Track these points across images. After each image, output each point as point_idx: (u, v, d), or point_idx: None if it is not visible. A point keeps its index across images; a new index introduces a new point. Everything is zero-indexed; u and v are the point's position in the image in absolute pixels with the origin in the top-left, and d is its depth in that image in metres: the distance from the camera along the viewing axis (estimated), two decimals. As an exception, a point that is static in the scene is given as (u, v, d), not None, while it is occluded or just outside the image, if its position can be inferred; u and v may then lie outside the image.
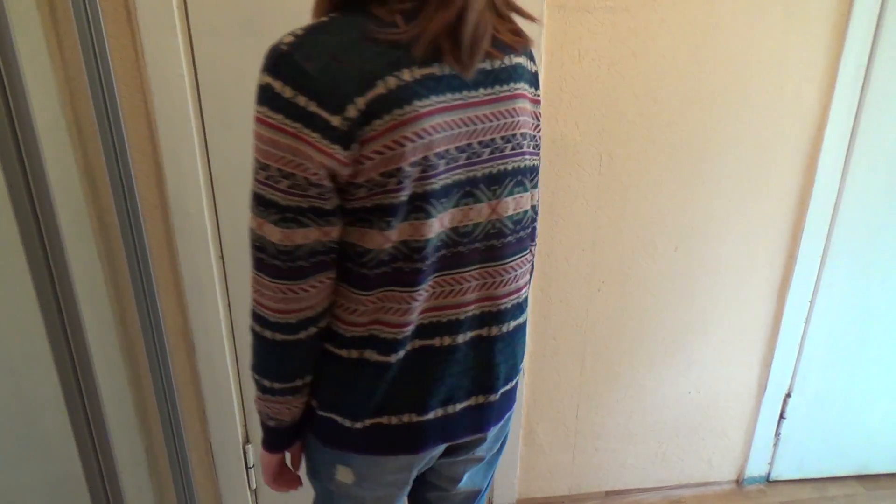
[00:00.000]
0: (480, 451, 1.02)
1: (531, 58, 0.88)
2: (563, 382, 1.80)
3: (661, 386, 1.84)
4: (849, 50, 1.53)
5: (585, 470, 1.93)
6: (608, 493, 1.97)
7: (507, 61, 0.82)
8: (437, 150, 0.76)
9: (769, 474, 2.03)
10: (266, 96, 0.72)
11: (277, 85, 0.71)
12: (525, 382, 1.77)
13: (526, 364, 1.75)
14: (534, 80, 0.89)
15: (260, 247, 0.77)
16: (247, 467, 1.70)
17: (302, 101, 0.70)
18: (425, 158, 0.75)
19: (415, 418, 0.88)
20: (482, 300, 0.88)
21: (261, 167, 0.74)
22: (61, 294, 1.20)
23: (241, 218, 1.47)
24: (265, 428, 0.93)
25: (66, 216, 1.24)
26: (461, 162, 0.79)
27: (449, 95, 0.76)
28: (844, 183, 1.67)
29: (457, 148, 0.78)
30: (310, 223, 0.76)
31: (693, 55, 1.48)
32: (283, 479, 1.01)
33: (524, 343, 0.98)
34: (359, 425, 0.88)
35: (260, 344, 0.84)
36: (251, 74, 1.35)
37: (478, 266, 0.86)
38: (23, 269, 1.16)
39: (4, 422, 1.22)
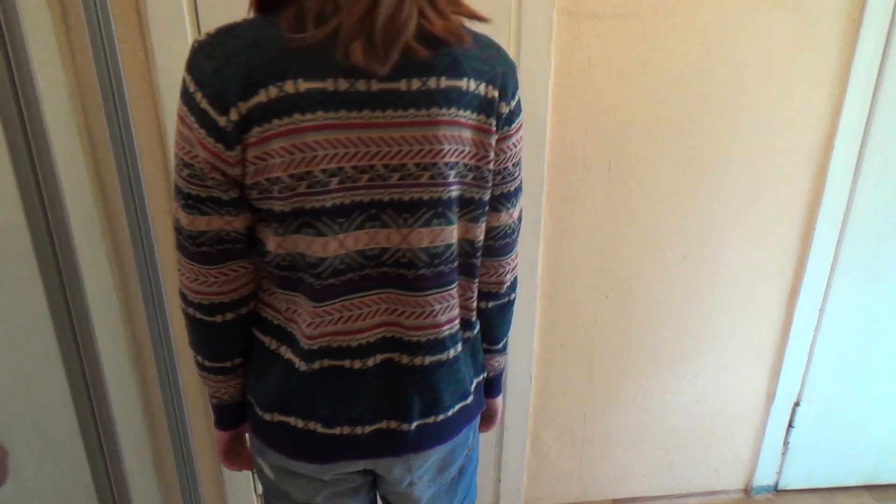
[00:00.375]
0: (418, 489, 0.97)
1: (491, 82, 0.78)
2: (570, 389, 1.79)
3: (669, 394, 1.83)
4: (860, 56, 1.52)
5: (592, 477, 1.92)
6: (615, 501, 1.96)
7: (430, 84, 0.74)
8: (326, 166, 0.74)
9: (777, 483, 2.02)
10: (181, 88, 0.76)
11: (187, 79, 0.74)
12: (532, 389, 1.76)
13: (533, 370, 1.74)
14: (485, 107, 0.79)
15: (177, 228, 0.82)
16: (253, 474, 1.70)
17: (199, 97, 0.73)
18: (309, 173, 0.74)
19: (320, 428, 0.88)
20: (390, 325, 0.86)
21: (175, 154, 0.79)
22: (71, 298, 1.20)
23: (249, 223, 1.47)
24: (211, 404, 0.97)
25: (77, 220, 1.24)
26: (362, 183, 0.76)
27: (344, 112, 0.72)
28: (855, 190, 1.66)
29: (354, 168, 0.75)
30: (211, 212, 0.79)
31: (702, 61, 1.48)
32: (236, 458, 1.03)
33: (456, 381, 0.91)
34: (268, 417, 0.89)
35: (186, 320, 0.88)
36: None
37: (385, 290, 0.84)
38: (34, 272, 1.17)
39: (15, 426, 1.22)
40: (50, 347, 1.23)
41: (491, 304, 0.97)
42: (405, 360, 0.87)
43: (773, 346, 1.82)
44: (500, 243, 0.92)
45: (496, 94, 0.79)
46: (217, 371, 0.92)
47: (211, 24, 1.31)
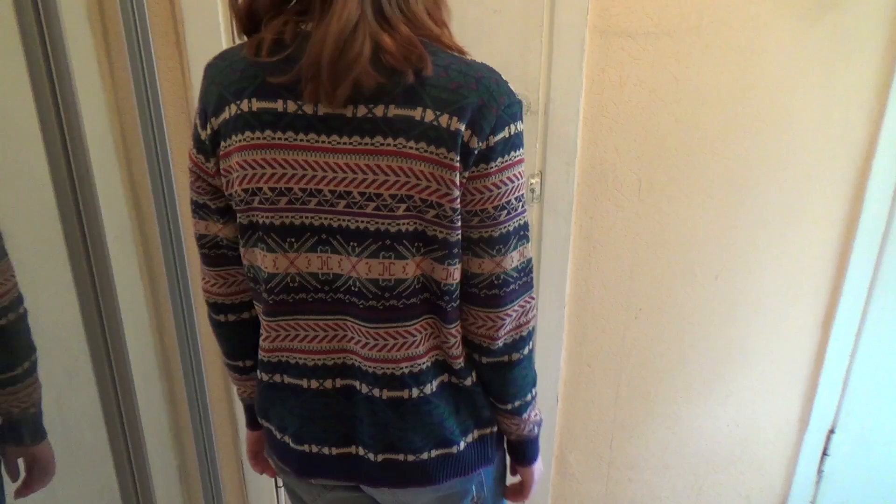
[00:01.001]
0: None
1: (456, 114, 0.71)
2: (596, 410, 1.76)
3: (699, 417, 1.79)
4: (899, 77, 1.49)
5: (619, 501, 1.88)
6: (641, 526, 1.92)
7: (377, 112, 0.72)
8: (274, 184, 0.76)
9: (811, 513, 1.96)
10: None
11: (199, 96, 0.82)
12: (558, 409, 1.74)
13: (559, 390, 1.72)
14: (445, 140, 0.72)
15: None
16: (276, 486, 1.70)
17: (198, 112, 0.82)
18: (259, 189, 0.77)
19: (291, 443, 0.90)
20: (348, 352, 0.85)
21: None
22: (104, 309, 1.22)
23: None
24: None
25: (111, 233, 1.26)
26: (311, 206, 0.77)
27: (291, 134, 0.74)
28: (894, 213, 1.62)
29: (302, 189, 0.76)
30: (206, 217, 0.87)
31: (737, 81, 1.46)
32: (260, 461, 1.06)
33: (428, 424, 0.87)
34: (262, 421, 0.95)
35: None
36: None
37: (340, 317, 0.83)
38: (68, 284, 1.19)
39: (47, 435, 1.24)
40: (82, 358, 1.25)
41: (484, 360, 0.87)
42: (364, 389, 0.86)
43: (807, 370, 1.78)
44: (485, 293, 0.81)
45: (462, 126, 0.72)
46: (234, 369, 0.98)
47: (246, 42, 1.33)
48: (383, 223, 0.76)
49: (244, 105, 0.75)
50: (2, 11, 1.02)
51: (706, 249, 1.61)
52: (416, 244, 0.78)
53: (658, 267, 1.62)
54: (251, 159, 0.76)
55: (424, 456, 0.88)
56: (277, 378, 0.88)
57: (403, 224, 0.76)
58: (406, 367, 0.83)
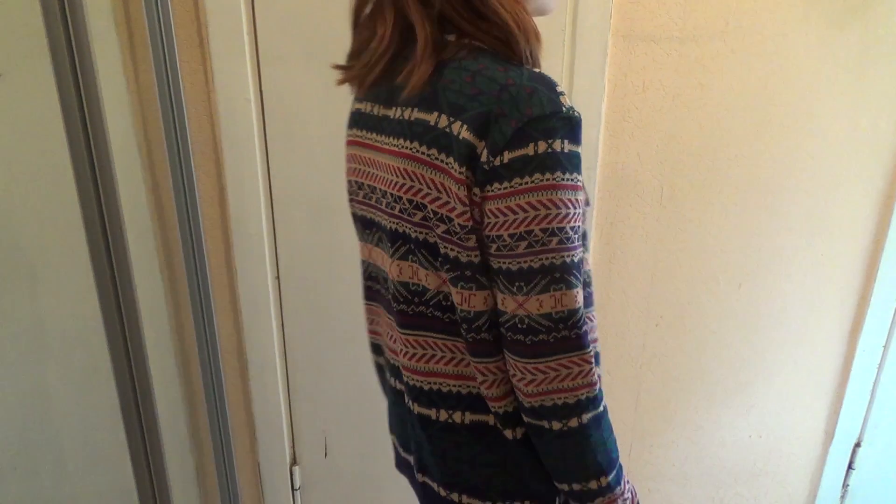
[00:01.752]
0: None
1: (468, 122, 0.64)
2: (615, 419, 1.73)
3: (720, 428, 1.76)
4: (930, 83, 1.46)
5: (637, 512, 1.86)
6: (660, 538, 1.89)
7: (406, 115, 0.70)
8: (359, 179, 0.81)
9: (835, 528, 1.92)
10: None
11: None
12: (576, 417, 1.72)
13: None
14: (454, 149, 0.65)
15: None
16: (293, 489, 1.70)
17: None
18: (350, 182, 0.83)
19: (389, 432, 0.95)
20: (397, 354, 0.82)
21: None
22: (125, 310, 1.22)
23: (298, 239, 1.49)
24: None
25: (133, 232, 1.27)
26: (372, 202, 0.79)
27: (364, 132, 0.79)
28: (924, 222, 1.58)
29: (369, 186, 0.79)
30: None
31: (763, 87, 1.44)
32: None
33: (457, 459, 0.78)
34: None
35: None
36: (315, 100, 1.38)
37: (389, 315, 0.82)
38: (89, 284, 1.19)
39: (65, 434, 1.25)
40: (101, 358, 1.26)
41: (524, 418, 0.74)
42: (407, 399, 0.81)
43: (833, 382, 1.74)
44: (511, 337, 0.68)
45: (472, 136, 0.64)
46: None
47: (270, 48, 1.34)
48: (406, 227, 0.73)
49: (353, 105, 0.83)
50: (28, 14, 1.03)
51: (730, 257, 1.59)
52: (437, 259, 0.72)
53: (680, 274, 1.60)
54: (348, 153, 0.83)
55: (455, 497, 0.79)
56: (377, 360, 0.93)
57: (421, 233, 0.72)
58: (435, 382, 0.77)
